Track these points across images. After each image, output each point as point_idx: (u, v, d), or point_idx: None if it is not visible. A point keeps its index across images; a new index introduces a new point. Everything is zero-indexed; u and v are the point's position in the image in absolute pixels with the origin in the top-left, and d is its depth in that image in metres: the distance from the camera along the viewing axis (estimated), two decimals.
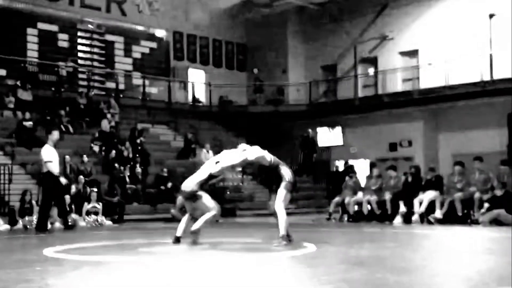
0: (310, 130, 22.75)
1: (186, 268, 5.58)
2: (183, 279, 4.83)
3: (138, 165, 17.95)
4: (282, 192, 7.64)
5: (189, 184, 7.77)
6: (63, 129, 18.36)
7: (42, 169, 11.17)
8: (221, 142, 22.12)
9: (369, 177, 15.13)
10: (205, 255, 6.81)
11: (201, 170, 7.88)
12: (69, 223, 12.14)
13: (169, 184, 17.53)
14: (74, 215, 13.54)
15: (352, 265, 5.73)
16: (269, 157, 7.85)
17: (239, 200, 19.48)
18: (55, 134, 11.31)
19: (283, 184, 7.65)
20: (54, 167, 11.10)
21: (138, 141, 19.71)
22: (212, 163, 7.85)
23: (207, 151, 20.10)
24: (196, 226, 7.72)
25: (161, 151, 21.01)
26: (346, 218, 14.57)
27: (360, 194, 14.63)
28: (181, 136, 22.04)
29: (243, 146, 7.92)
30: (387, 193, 13.87)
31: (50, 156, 11.07)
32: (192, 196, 7.73)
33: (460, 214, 12.59)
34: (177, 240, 7.89)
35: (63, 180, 11.25)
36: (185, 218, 8.06)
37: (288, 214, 7.78)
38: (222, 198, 19.00)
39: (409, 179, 13.81)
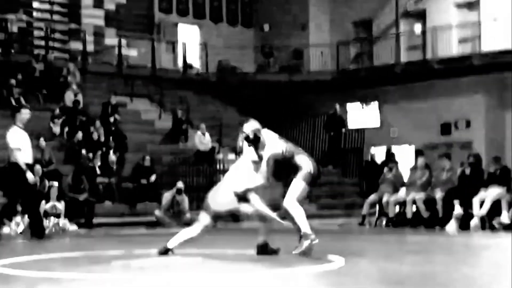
0: (337, 107, 22.70)
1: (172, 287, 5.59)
2: None
3: (112, 152, 18.00)
4: (298, 184, 7.68)
5: (240, 183, 7.88)
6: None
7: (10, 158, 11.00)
8: (220, 121, 22.16)
9: (414, 169, 15.08)
10: (199, 271, 6.82)
11: (242, 166, 7.95)
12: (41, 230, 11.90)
13: (153, 177, 17.59)
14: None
15: (392, 285, 5.72)
16: (282, 146, 7.87)
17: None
18: (25, 113, 11.13)
19: (300, 175, 7.68)
20: (24, 157, 10.92)
21: (112, 119, 19.74)
22: (251, 155, 7.87)
23: (203, 134, 20.14)
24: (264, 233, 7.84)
25: (142, 133, 21.07)
26: (384, 223, 14.58)
27: (402, 191, 14.62)
28: (169, 113, 22.07)
29: (265, 131, 7.93)
30: (438, 190, 13.85)
31: (18, 142, 10.90)
32: (244, 197, 7.84)
33: None
34: (166, 251, 7.92)
35: (29, 177, 10.97)
36: (192, 230, 8.08)
37: (308, 216, 7.80)
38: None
39: (467, 171, 13.77)
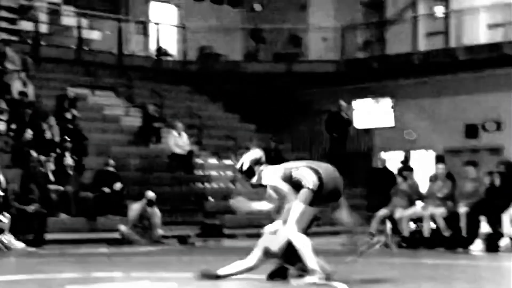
0: (342, 103, 22.71)
1: None
2: None
3: (68, 155, 17.95)
4: (295, 208, 7.64)
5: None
6: None
7: None
8: (201, 119, 22.13)
9: (433, 179, 15.09)
10: None
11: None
12: None
13: (118, 186, 17.54)
14: None
15: None
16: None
17: (228, 212, 19.49)
18: None
19: (298, 195, 7.65)
20: None
21: (69, 116, 19.68)
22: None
23: (179, 134, 20.11)
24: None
25: (105, 133, 21.03)
26: (397, 242, 14.58)
27: (419, 205, 14.61)
28: (138, 109, 22.03)
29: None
30: (462, 204, 13.86)
31: None
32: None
33: None
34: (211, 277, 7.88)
35: None
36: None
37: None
38: (200, 207, 19.06)
39: (496, 182, 13.79)
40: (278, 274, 7.89)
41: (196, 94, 24.59)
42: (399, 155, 22.44)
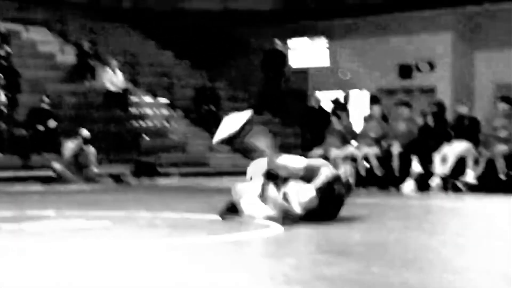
0: (277, 42, 22.68)
1: (71, 258, 5.52)
2: (60, 277, 4.78)
3: (1, 91, 17.69)
4: (308, 191, 7.55)
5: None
6: None
7: None
8: (136, 57, 21.91)
9: (368, 119, 15.20)
10: (104, 237, 6.76)
11: None
12: None
13: (52, 123, 17.36)
14: None
15: (336, 255, 5.77)
16: None
17: (162, 150, 19.47)
18: None
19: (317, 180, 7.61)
20: None
21: (2, 52, 19.36)
22: None
23: (114, 72, 19.90)
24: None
25: (39, 70, 20.72)
26: None
27: (353, 145, 14.74)
28: (73, 46, 21.72)
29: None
30: (395, 143, 14.01)
31: None
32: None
33: (503, 177, 12.86)
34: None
35: None
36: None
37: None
38: (135, 146, 18.96)
39: (430, 122, 13.95)
40: (231, 210, 7.94)
41: (131, 32, 24.30)
42: (334, 94, 22.54)
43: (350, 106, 19.55)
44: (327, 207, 7.58)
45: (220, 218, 7.85)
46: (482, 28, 22.47)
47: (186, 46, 23.93)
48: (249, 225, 7.53)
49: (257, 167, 8.04)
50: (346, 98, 22.35)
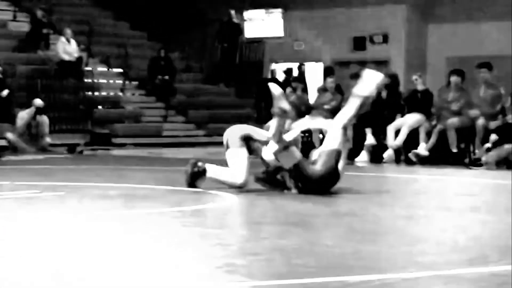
0: (232, 12, 22.55)
1: (21, 230, 5.49)
2: (9, 249, 4.75)
3: None
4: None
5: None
6: None
7: None
8: (91, 26, 21.64)
9: (322, 90, 15.23)
10: (55, 209, 6.73)
11: None
12: None
13: (4, 92, 17.10)
14: None
15: (289, 227, 5.81)
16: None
17: (117, 121, 19.33)
18: None
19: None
20: None
21: None
22: None
23: (68, 41, 19.65)
24: None
25: None
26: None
27: (307, 117, 14.76)
28: (26, 14, 21.39)
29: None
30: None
31: None
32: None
33: (454, 150, 13.00)
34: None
35: None
36: None
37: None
38: (89, 116, 18.81)
39: (383, 94, 14.03)
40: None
41: (86, 0, 23.99)
42: (289, 66, 22.55)
43: (304, 78, 19.53)
44: (329, 180, 7.67)
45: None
46: (435, 1, 22.59)
47: (142, 17, 23.71)
48: (203, 197, 7.54)
49: (232, 134, 8.08)
50: (300, 69, 22.34)
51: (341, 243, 5.03)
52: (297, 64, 22.63)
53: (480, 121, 12.83)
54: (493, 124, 12.78)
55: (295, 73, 21.07)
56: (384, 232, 5.84)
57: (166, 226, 5.80)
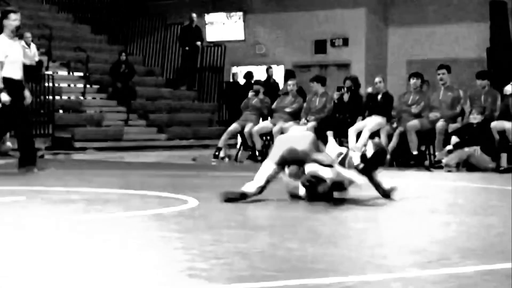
0: (194, 16, 22.53)
1: None
2: None
3: None
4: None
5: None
6: None
7: None
8: (50, 30, 21.50)
9: (283, 94, 15.26)
10: (14, 214, 6.66)
11: None
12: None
13: None
14: None
15: (252, 231, 5.81)
16: None
17: (78, 125, 19.21)
18: (14, 18, 11.01)
19: None
20: (9, 71, 10.78)
21: None
22: None
23: (28, 45, 19.47)
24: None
25: None
26: (246, 157, 14.74)
27: (268, 120, 14.79)
28: None
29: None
30: (310, 118, 14.10)
31: (0, 54, 10.75)
32: None
33: (414, 152, 13.10)
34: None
35: (4, 97, 10.61)
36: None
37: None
38: (50, 120, 18.66)
39: (345, 97, 14.09)
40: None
41: (46, 4, 23.81)
42: (250, 69, 22.58)
43: (266, 81, 19.53)
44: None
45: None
46: (395, 4, 22.77)
47: (102, 21, 23.61)
48: (166, 201, 7.51)
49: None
50: (268, 72, 22.32)
51: (303, 247, 5.03)
52: (259, 67, 22.64)
53: (440, 124, 12.94)
54: (452, 127, 12.90)
55: (263, 76, 21.08)
56: (345, 235, 5.85)
57: (127, 230, 5.77)
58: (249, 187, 7.38)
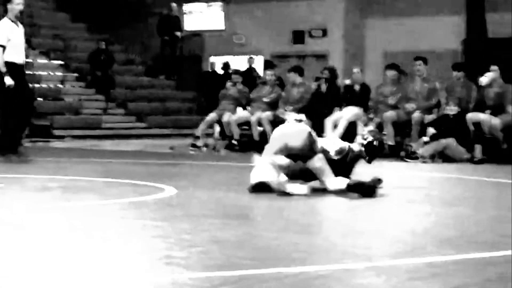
0: (174, 5, 22.45)
1: None
2: None
3: None
4: None
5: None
6: None
7: None
8: (31, 18, 21.35)
9: (261, 84, 15.25)
10: (1, 199, 6.65)
11: None
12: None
13: None
14: None
15: (230, 220, 5.82)
16: None
17: (57, 113, 19.11)
18: (18, 2, 10.96)
19: None
20: (11, 55, 10.71)
21: None
22: None
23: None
24: None
25: None
26: (224, 146, 14.72)
27: (247, 110, 14.78)
28: None
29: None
30: (288, 108, 14.10)
31: (4, 38, 10.68)
32: None
33: (391, 143, 13.14)
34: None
35: (8, 81, 10.57)
36: None
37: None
38: (28, 107, 18.51)
39: (322, 88, 14.10)
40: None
41: None
42: (229, 59, 22.55)
43: (247, 71, 19.51)
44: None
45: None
46: None
47: (82, 9, 23.47)
48: (143, 189, 7.50)
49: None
50: (249, 62, 22.27)
51: (279, 236, 5.05)
52: (237, 57, 22.61)
53: (416, 115, 12.99)
54: (428, 118, 12.96)
55: (245, 66, 21.05)
56: (322, 224, 5.88)
57: (105, 218, 5.76)
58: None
